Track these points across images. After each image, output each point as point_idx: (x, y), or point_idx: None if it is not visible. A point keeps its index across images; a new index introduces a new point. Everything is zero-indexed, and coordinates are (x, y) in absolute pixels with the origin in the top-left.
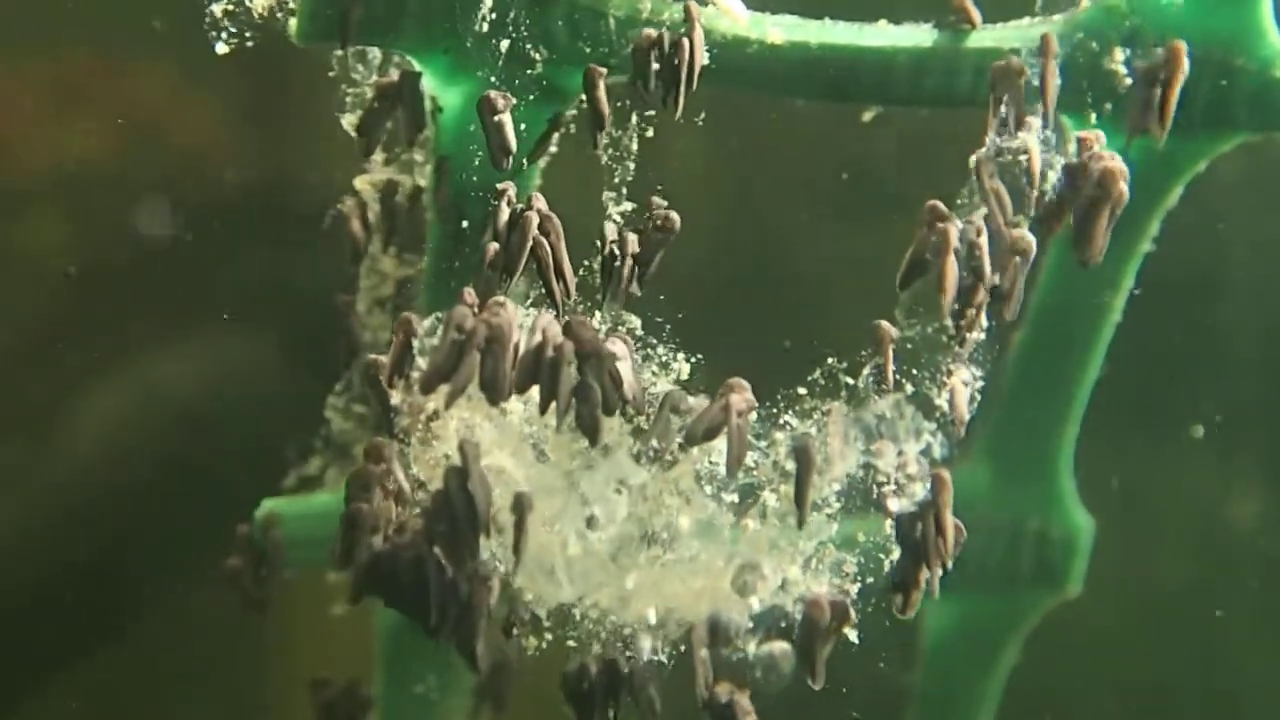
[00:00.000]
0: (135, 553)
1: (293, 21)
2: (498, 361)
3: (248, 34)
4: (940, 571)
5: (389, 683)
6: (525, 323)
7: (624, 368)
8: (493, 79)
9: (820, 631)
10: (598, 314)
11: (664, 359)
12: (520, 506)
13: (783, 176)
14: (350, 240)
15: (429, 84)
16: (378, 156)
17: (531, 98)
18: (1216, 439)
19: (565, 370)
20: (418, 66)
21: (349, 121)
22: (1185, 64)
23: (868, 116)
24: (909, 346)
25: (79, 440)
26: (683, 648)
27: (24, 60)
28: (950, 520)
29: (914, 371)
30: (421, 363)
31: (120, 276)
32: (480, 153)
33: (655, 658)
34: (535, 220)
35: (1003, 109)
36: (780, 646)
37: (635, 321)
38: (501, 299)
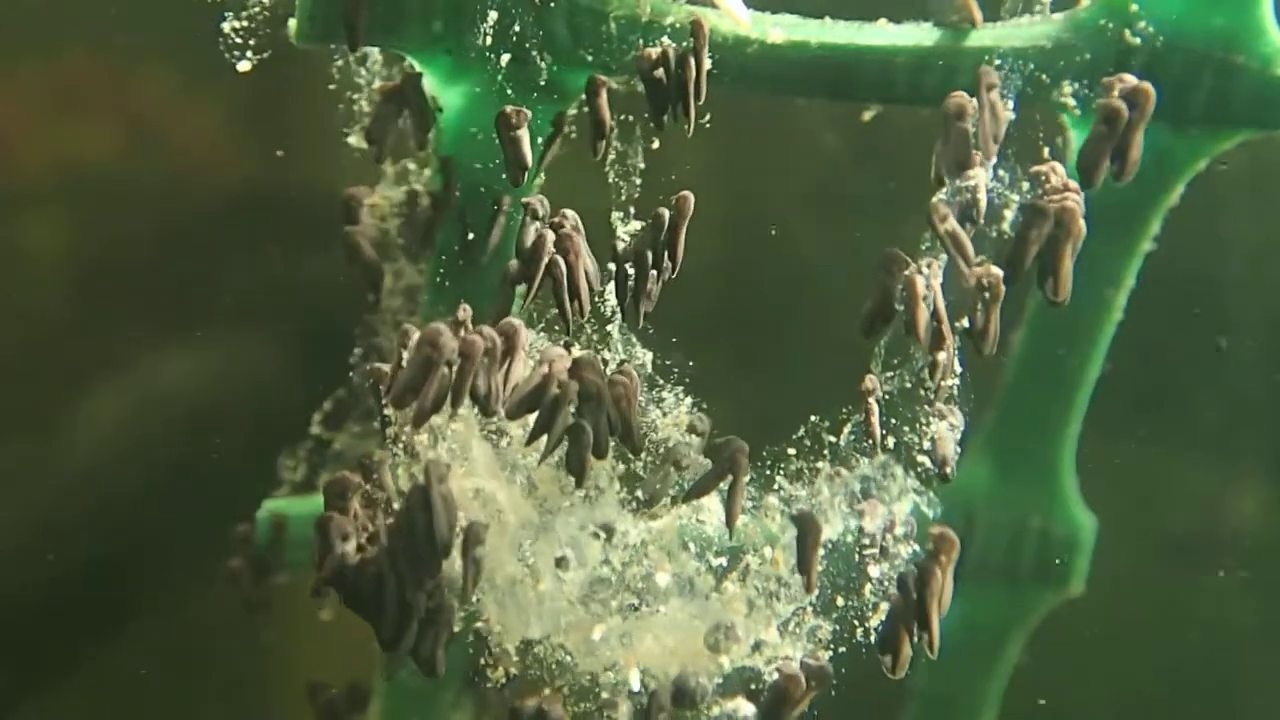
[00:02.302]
0: (137, 553)
1: (291, 22)
2: (464, 378)
3: (253, 41)
4: (934, 633)
5: (389, 682)
6: (535, 344)
7: (623, 408)
8: (492, 82)
9: (790, 703)
10: (610, 339)
11: (671, 401)
12: (470, 538)
13: (784, 179)
14: (366, 268)
15: (430, 85)
16: (387, 168)
17: (534, 96)
18: (1217, 438)
19: (564, 409)
20: (418, 68)
21: (355, 139)
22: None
23: (867, 116)
24: (888, 398)
25: (81, 442)
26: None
27: (28, 63)
28: (950, 582)
29: (893, 421)
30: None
31: (122, 279)
32: (480, 153)
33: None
34: (552, 239)
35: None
36: (744, 711)
37: (645, 358)
38: (515, 321)
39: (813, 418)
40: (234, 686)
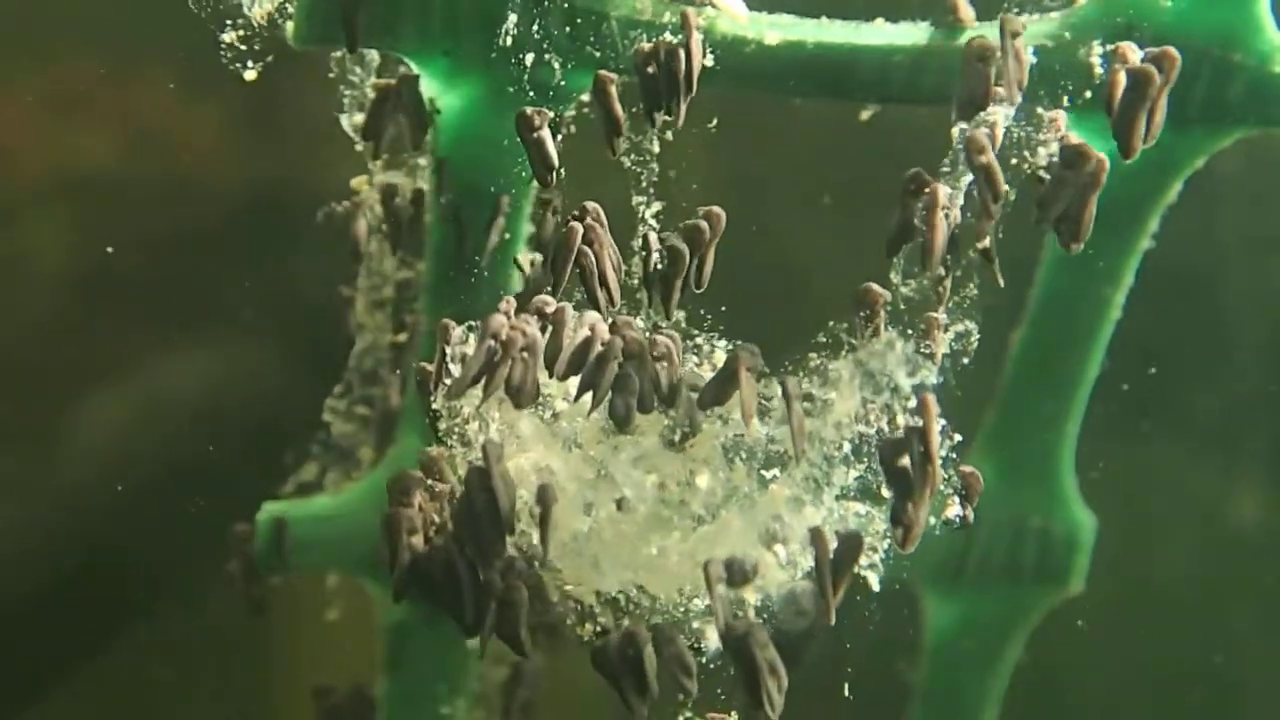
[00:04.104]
0: (140, 556)
1: (289, 25)
2: (527, 369)
3: (256, 47)
4: (930, 497)
5: (392, 684)
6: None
7: (662, 368)
8: (490, 83)
9: (828, 562)
10: (642, 315)
11: (704, 349)
12: (545, 499)
13: (785, 175)
14: (351, 240)
15: (428, 86)
16: (378, 160)
17: (534, 98)
18: (1218, 436)
19: (611, 364)
20: (416, 69)
21: (350, 124)
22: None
23: (865, 115)
24: (902, 306)
25: (84, 444)
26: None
27: (29, 68)
28: (936, 443)
29: (909, 332)
30: (454, 369)
31: (124, 282)
32: (477, 154)
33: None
34: (580, 232)
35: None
36: (802, 585)
37: (679, 315)
38: (550, 299)
39: (830, 322)
40: (236, 687)
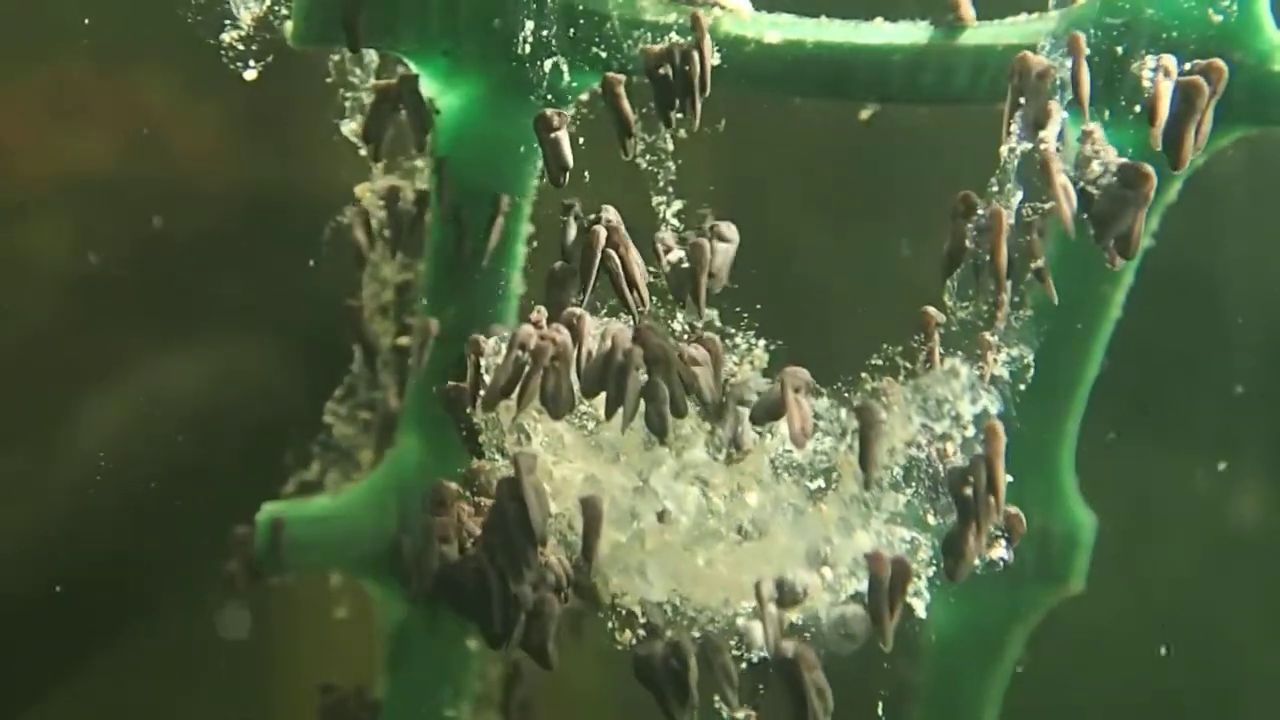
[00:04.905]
0: (141, 557)
1: (288, 25)
2: (560, 378)
3: (256, 47)
4: (990, 530)
5: (393, 686)
6: (600, 330)
7: (702, 372)
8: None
9: (884, 587)
10: (679, 316)
11: (743, 348)
12: (590, 511)
13: (787, 176)
14: (354, 246)
15: (428, 86)
16: (379, 162)
17: (534, 99)
18: (1218, 436)
19: (633, 374)
20: (415, 69)
21: (349, 130)
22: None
23: (865, 115)
24: (954, 329)
25: (84, 444)
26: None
27: (29, 69)
28: (1002, 474)
29: (961, 353)
30: (488, 380)
31: (125, 283)
32: (477, 155)
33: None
34: (603, 235)
35: (1021, 105)
36: (852, 609)
37: (712, 314)
38: (578, 311)
39: (885, 345)
40: (237, 687)
